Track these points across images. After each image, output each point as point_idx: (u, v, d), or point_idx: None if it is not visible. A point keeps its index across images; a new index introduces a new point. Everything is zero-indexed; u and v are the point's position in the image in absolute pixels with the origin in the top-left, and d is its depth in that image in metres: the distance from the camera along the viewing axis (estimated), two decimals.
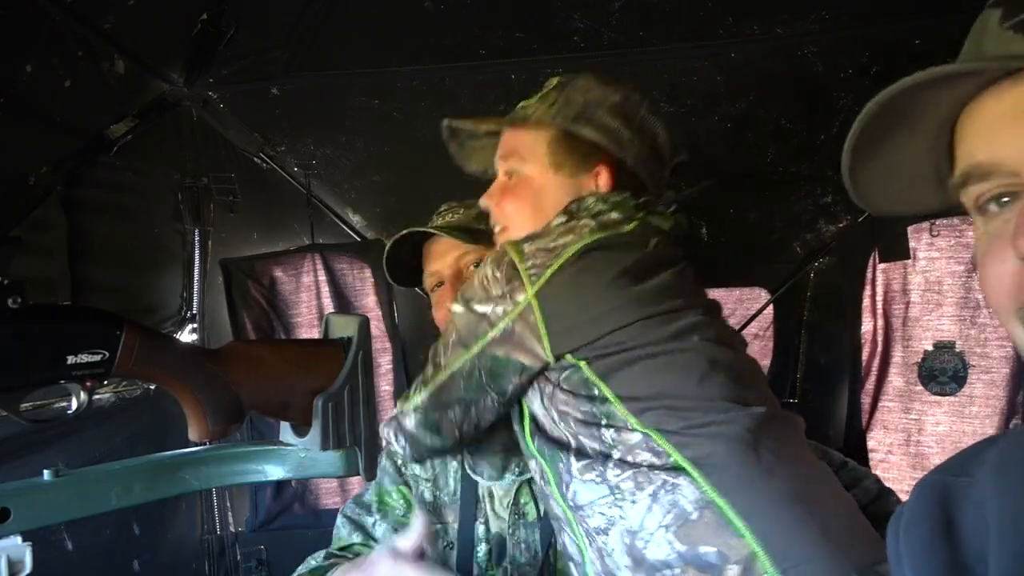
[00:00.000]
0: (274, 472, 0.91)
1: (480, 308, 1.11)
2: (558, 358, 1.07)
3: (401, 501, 1.59)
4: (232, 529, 2.38)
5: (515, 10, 1.73)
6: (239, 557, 2.38)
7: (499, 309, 1.09)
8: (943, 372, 2.00)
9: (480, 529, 1.49)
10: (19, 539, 0.74)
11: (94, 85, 1.65)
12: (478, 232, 1.50)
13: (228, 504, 2.38)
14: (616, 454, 1.04)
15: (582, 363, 1.06)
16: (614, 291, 1.05)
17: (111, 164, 1.85)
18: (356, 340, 0.91)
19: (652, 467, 1.01)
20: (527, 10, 1.74)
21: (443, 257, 1.57)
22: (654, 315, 1.05)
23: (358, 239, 2.42)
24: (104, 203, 1.88)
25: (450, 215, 1.61)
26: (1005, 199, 0.53)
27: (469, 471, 1.49)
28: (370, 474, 0.90)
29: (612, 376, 1.05)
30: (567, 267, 1.06)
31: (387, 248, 1.60)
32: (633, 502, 1.02)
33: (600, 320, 1.04)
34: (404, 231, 1.59)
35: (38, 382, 0.73)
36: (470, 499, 1.51)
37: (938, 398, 2.01)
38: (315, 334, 1.06)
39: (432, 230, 1.58)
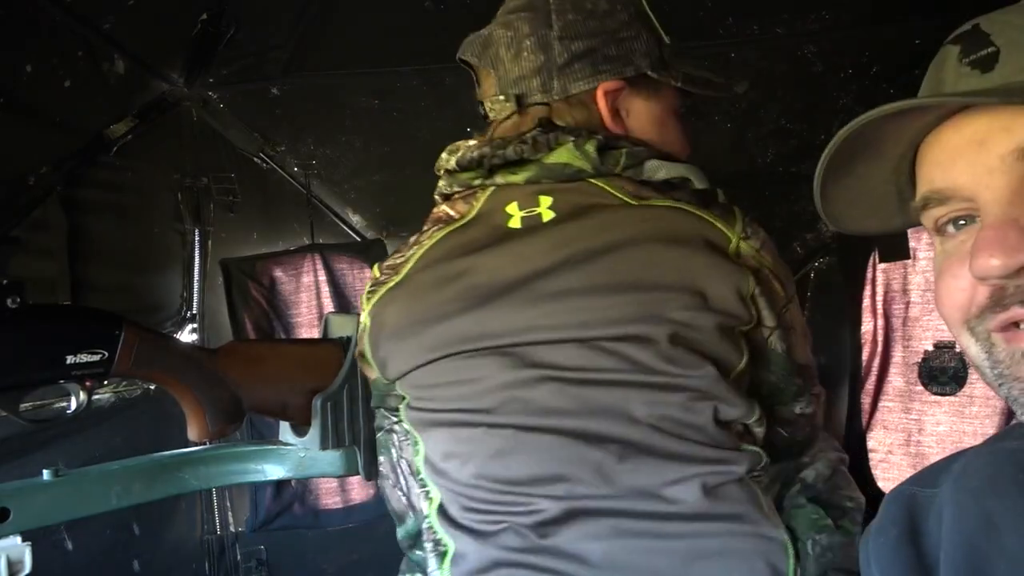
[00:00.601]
0: (274, 471, 0.91)
1: None
2: None
3: None
4: (232, 529, 2.37)
5: None
6: (239, 557, 2.37)
7: None
8: (943, 372, 2.00)
9: None
10: (19, 539, 0.74)
11: (94, 85, 1.65)
12: None
13: (228, 504, 2.38)
14: None
15: None
16: None
17: (111, 164, 1.85)
18: (355, 339, 0.91)
19: None
20: None
21: None
22: None
23: (358, 239, 2.42)
24: (104, 203, 1.88)
25: None
26: (961, 222, 0.59)
27: None
28: (369, 473, 0.90)
29: None
30: None
31: None
32: None
33: None
34: None
35: (37, 382, 0.73)
36: None
37: (938, 398, 2.00)
38: (315, 334, 1.06)
39: None
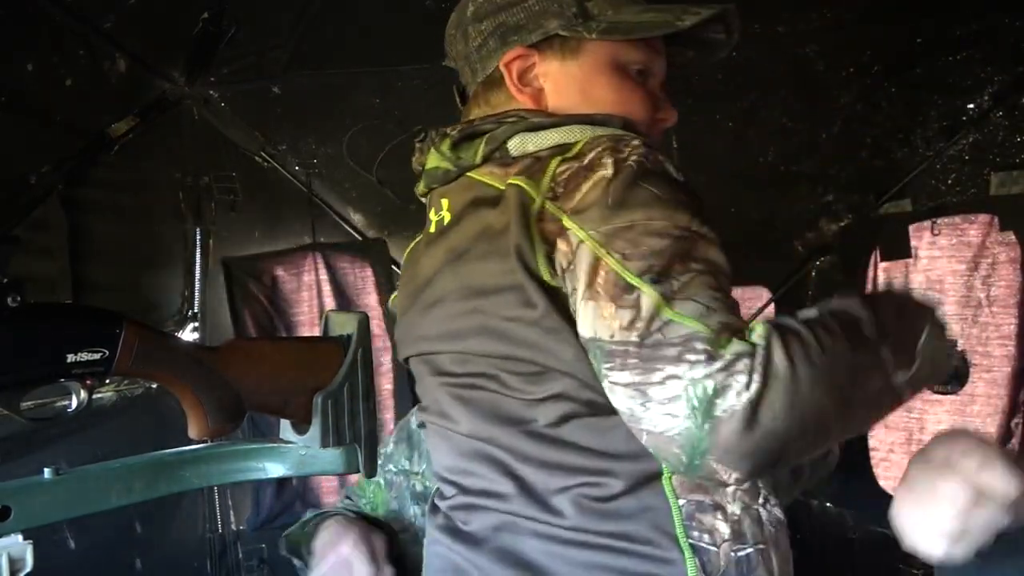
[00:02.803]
0: (274, 470, 0.91)
1: None
2: None
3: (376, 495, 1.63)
4: (234, 528, 2.38)
5: None
6: (241, 556, 2.38)
7: None
8: None
9: None
10: (20, 537, 0.74)
11: (95, 84, 1.65)
12: None
13: (230, 503, 2.38)
14: None
15: None
16: None
17: (112, 163, 1.86)
18: (356, 337, 0.91)
19: None
20: None
21: None
22: None
23: (359, 238, 2.42)
24: (105, 202, 1.89)
25: None
26: None
27: None
28: (370, 471, 0.90)
29: None
30: None
31: None
32: None
33: None
34: None
35: (38, 380, 0.73)
36: None
37: (939, 397, 2.00)
38: (316, 332, 1.06)
39: None
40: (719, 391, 0.69)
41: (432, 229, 1.04)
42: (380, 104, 2.02)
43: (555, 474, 0.89)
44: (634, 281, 0.75)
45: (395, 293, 1.18)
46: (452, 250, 0.96)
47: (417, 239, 1.13)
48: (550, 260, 0.84)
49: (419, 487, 1.61)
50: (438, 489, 1.07)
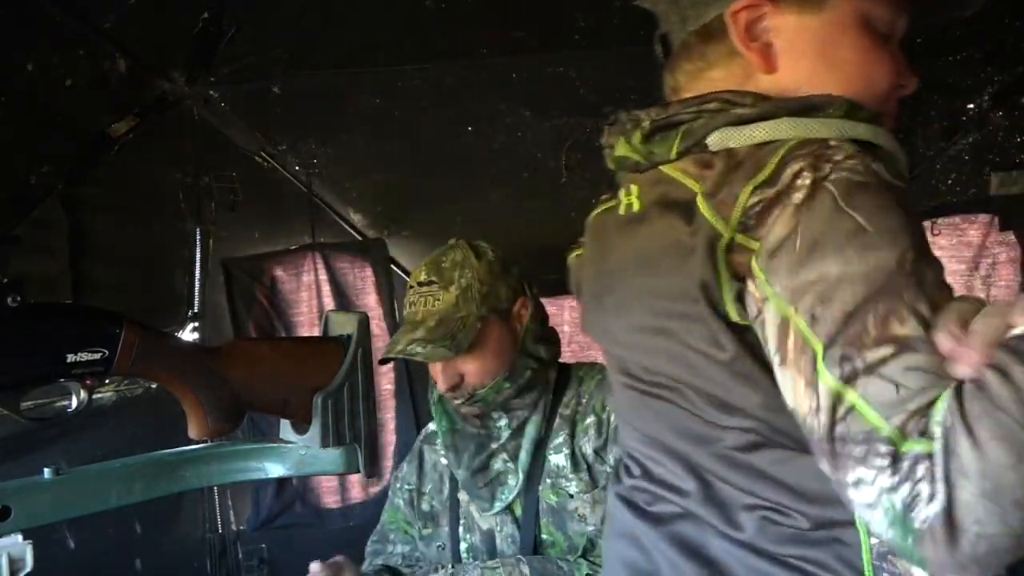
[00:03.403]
0: (274, 470, 0.91)
1: None
2: None
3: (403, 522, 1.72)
4: (234, 528, 2.38)
5: (516, 8, 1.73)
6: (241, 556, 2.38)
7: None
8: None
9: (460, 529, 1.59)
10: (20, 537, 0.74)
11: (95, 84, 1.65)
12: None
13: (230, 503, 2.38)
14: None
15: None
16: None
17: (112, 163, 1.86)
18: (356, 337, 0.91)
19: None
20: (528, 8, 1.74)
21: None
22: None
23: (359, 238, 2.42)
24: (105, 202, 1.89)
25: None
26: None
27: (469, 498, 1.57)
28: (370, 470, 0.90)
29: None
30: None
31: None
32: None
33: None
34: None
35: (38, 380, 0.73)
36: (456, 504, 1.62)
37: None
38: (316, 332, 1.06)
39: None
40: (909, 505, 0.58)
41: (622, 211, 0.93)
42: (380, 104, 2.02)
43: (741, 494, 0.81)
44: (819, 354, 0.63)
45: (577, 251, 1.09)
46: (640, 254, 0.87)
47: (604, 207, 1.02)
48: (740, 299, 0.73)
49: (426, 507, 1.65)
50: (623, 461, 1.00)
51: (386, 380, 2.44)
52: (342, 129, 2.13)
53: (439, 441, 1.64)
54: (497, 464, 1.54)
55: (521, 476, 1.52)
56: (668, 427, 0.87)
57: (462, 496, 1.60)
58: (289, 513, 2.39)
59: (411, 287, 1.55)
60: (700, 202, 0.76)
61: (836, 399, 0.62)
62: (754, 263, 0.70)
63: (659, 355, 0.85)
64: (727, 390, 0.78)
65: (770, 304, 0.68)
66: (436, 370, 1.53)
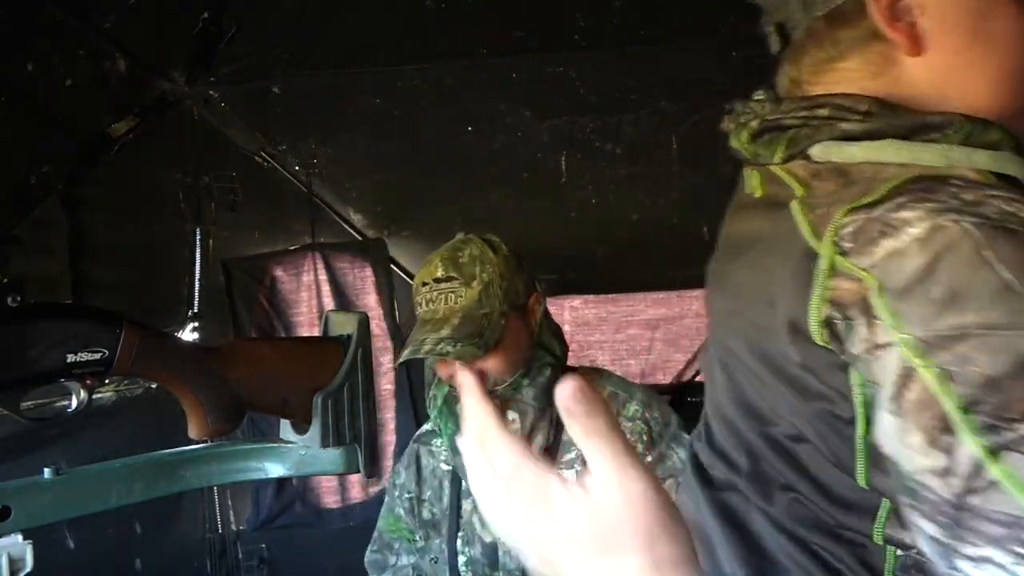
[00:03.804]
0: (274, 470, 0.91)
1: None
2: None
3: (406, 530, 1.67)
4: (234, 528, 2.38)
5: (516, 8, 1.74)
6: (241, 556, 2.38)
7: None
8: None
9: (459, 542, 1.55)
10: (20, 537, 0.74)
11: (95, 84, 1.65)
12: None
13: (230, 503, 2.38)
14: None
15: None
16: None
17: (112, 163, 1.86)
18: (356, 337, 0.91)
19: None
20: (528, 8, 1.74)
21: None
22: None
23: (359, 238, 2.42)
24: (105, 202, 1.89)
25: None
26: None
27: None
28: (370, 470, 0.90)
29: None
30: None
31: None
32: None
33: None
34: None
35: (38, 380, 0.73)
36: (455, 514, 1.57)
37: None
38: (316, 332, 1.06)
39: None
40: None
41: (748, 191, 0.88)
42: (380, 104, 2.02)
43: (780, 476, 0.79)
44: (955, 415, 0.56)
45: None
46: (744, 239, 0.82)
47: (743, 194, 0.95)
48: (828, 324, 0.67)
49: (427, 514, 1.62)
50: (704, 420, 0.99)
51: (386, 380, 2.45)
52: (342, 129, 2.13)
53: (437, 443, 1.61)
54: None
55: None
56: (732, 400, 0.85)
57: (466, 504, 1.55)
58: (289, 513, 2.39)
59: (425, 283, 1.47)
60: (796, 209, 0.71)
61: (976, 468, 0.55)
62: (876, 301, 0.62)
63: (737, 336, 0.82)
64: (785, 394, 0.76)
65: (893, 349, 0.60)
66: (452, 368, 1.46)
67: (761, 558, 0.81)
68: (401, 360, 1.47)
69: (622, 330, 2.55)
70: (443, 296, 1.45)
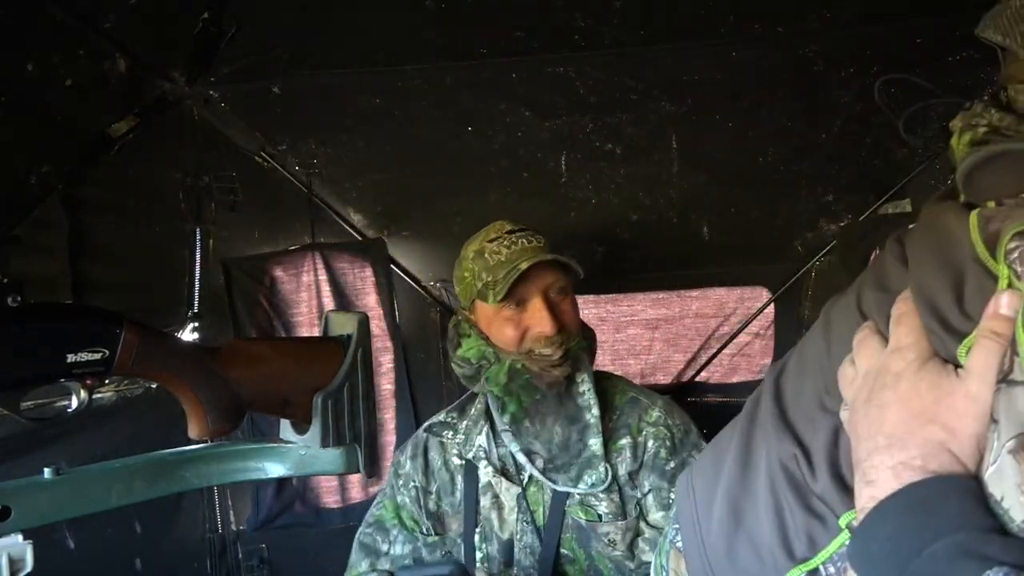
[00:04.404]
0: (274, 469, 0.91)
1: None
2: None
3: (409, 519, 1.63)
4: (234, 528, 2.38)
5: (516, 8, 1.74)
6: (241, 556, 2.38)
7: None
8: None
9: (476, 537, 1.53)
10: (20, 537, 0.74)
11: (95, 84, 1.65)
12: None
13: (230, 503, 2.38)
14: None
15: None
16: None
17: (112, 163, 1.86)
18: (356, 337, 0.91)
19: None
20: (528, 8, 1.74)
21: None
22: None
23: (359, 238, 2.42)
24: (105, 202, 1.89)
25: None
26: None
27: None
28: (370, 470, 0.90)
29: None
30: None
31: None
32: None
33: None
34: None
35: (38, 380, 0.73)
36: (472, 509, 1.55)
37: None
38: (316, 333, 1.06)
39: None
40: None
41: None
42: (380, 104, 2.02)
43: (819, 455, 0.76)
44: None
45: None
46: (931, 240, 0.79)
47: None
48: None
49: (432, 507, 1.61)
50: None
51: (386, 380, 2.44)
52: (342, 129, 2.13)
53: (448, 436, 1.60)
54: (591, 442, 1.48)
55: (603, 468, 1.47)
56: (812, 387, 0.83)
57: (484, 501, 1.55)
58: (289, 513, 2.39)
59: (494, 239, 1.54)
60: (973, 220, 0.69)
61: None
62: (1021, 335, 0.59)
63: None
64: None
65: None
66: (543, 316, 1.47)
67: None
68: (524, 268, 1.46)
69: (622, 330, 2.55)
70: (522, 239, 1.53)
